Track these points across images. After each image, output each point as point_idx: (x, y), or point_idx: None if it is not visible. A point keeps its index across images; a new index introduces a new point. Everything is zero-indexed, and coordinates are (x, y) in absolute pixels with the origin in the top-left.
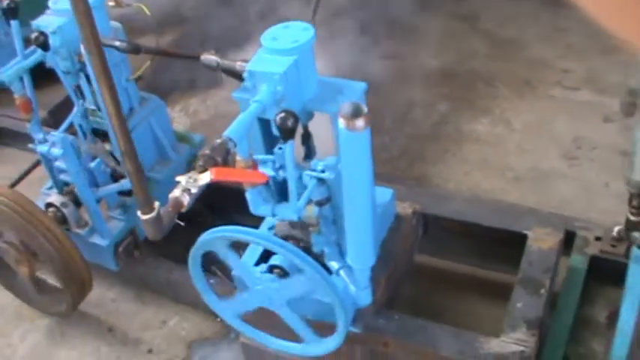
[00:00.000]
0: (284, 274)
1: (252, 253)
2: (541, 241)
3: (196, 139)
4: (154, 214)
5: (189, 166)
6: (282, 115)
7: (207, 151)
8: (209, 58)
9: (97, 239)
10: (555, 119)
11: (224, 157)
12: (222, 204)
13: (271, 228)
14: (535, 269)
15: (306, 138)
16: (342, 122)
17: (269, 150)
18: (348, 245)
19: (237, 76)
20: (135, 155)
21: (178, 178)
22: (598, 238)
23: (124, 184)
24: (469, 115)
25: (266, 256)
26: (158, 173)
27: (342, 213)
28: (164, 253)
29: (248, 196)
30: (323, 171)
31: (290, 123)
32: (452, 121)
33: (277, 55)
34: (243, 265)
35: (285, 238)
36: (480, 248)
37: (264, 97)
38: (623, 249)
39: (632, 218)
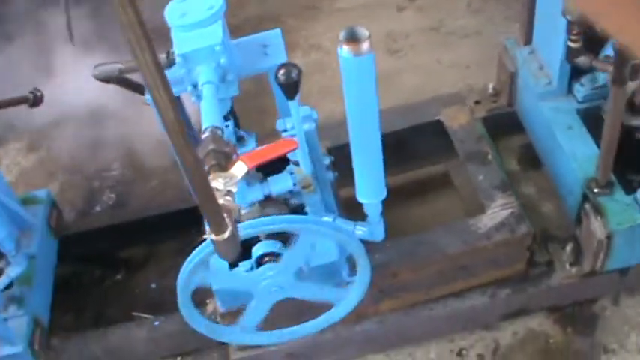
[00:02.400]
0: (276, 256)
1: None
2: (456, 119)
3: (42, 195)
4: (228, 232)
5: (50, 228)
6: (284, 69)
7: (209, 148)
8: (106, 68)
9: (8, 349)
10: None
11: (227, 145)
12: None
13: None
14: (470, 143)
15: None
16: (346, 50)
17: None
18: (359, 181)
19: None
20: (201, 168)
21: (213, 185)
22: (477, 102)
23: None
24: None
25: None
26: (29, 248)
27: (323, 164)
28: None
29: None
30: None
31: (295, 75)
32: None
33: (198, 28)
34: (237, 275)
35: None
36: (401, 153)
37: (210, 76)
38: (505, 100)
39: (573, 45)
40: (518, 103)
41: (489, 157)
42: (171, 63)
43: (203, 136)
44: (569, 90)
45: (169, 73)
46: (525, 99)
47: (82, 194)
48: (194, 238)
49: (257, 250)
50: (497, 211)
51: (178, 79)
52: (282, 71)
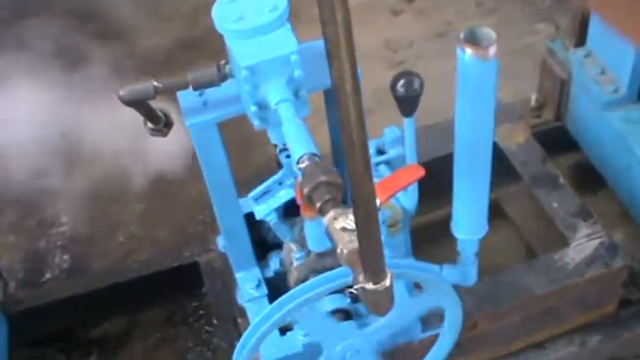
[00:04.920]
0: (345, 314)
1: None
2: (512, 137)
3: None
4: (389, 279)
5: None
6: (404, 80)
7: (320, 179)
8: (137, 88)
9: None
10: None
11: (338, 175)
12: None
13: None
14: (534, 165)
15: None
16: (469, 52)
17: None
18: (459, 211)
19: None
20: (373, 198)
21: (337, 225)
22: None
23: None
24: None
25: None
26: None
27: None
28: None
29: (311, 231)
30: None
31: (418, 86)
32: None
33: (263, 34)
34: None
35: (306, 277)
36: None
37: (284, 92)
38: (552, 113)
39: None
40: (571, 116)
41: (560, 180)
42: (223, 78)
43: (301, 166)
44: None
45: (220, 91)
46: (582, 110)
47: (24, 257)
48: (183, 303)
49: (330, 304)
50: (584, 243)
51: (232, 98)
52: (402, 82)
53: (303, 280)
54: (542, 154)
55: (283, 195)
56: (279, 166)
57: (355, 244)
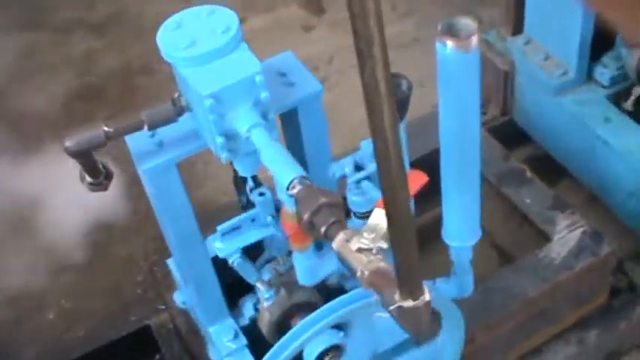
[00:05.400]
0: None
1: None
2: None
3: None
4: (428, 294)
5: None
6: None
7: (321, 202)
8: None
9: None
10: None
11: (333, 193)
12: None
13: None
14: (497, 163)
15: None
16: (450, 45)
17: None
18: (449, 216)
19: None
20: (409, 210)
21: (353, 246)
22: None
23: None
24: None
25: None
26: None
27: None
28: None
29: (301, 264)
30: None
31: (406, 88)
32: None
33: (218, 58)
34: None
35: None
36: None
37: (254, 117)
38: (497, 108)
39: None
40: (519, 108)
41: (528, 174)
42: (180, 112)
43: (292, 192)
44: (589, 76)
45: (174, 129)
46: (531, 100)
47: None
48: None
49: (314, 349)
50: (566, 235)
51: (190, 134)
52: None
53: (277, 322)
54: (503, 151)
55: (253, 235)
56: (246, 201)
57: (376, 264)
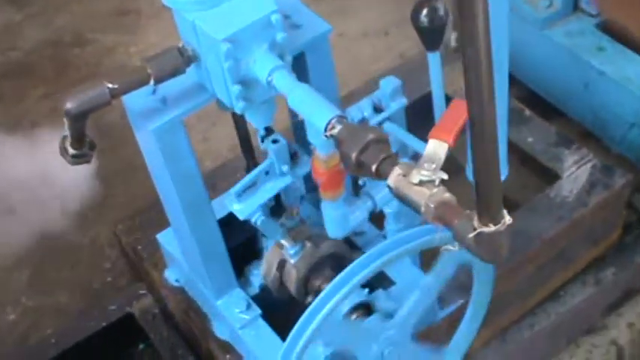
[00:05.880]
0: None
1: None
2: (453, 84)
3: None
4: (507, 217)
5: None
6: (427, 8)
7: (368, 138)
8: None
9: None
10: None
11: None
12: None
13: None
14: None
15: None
16: None
17: None
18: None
19: None
20: (494, 123)
21: (412, 179)
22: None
23: None
24: None
25: None
26: None
27: None
28: None
29: (331, 214)
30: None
31: (444, 14)
32: None
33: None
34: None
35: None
36: None
37: (273, 60)
38: None
39: None
40: None
41: (527, 112)
42: (188, 62)
43: (333, 133)
44: (575, 7)
45: (176, 83)
46: (514, 37)
47: None
48: None
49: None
50: (575, 171)
51: (195, 88)
52: (425, 12)
53: (305, 278)
54: None
55: (270, 188)
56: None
57: (442, 194)
